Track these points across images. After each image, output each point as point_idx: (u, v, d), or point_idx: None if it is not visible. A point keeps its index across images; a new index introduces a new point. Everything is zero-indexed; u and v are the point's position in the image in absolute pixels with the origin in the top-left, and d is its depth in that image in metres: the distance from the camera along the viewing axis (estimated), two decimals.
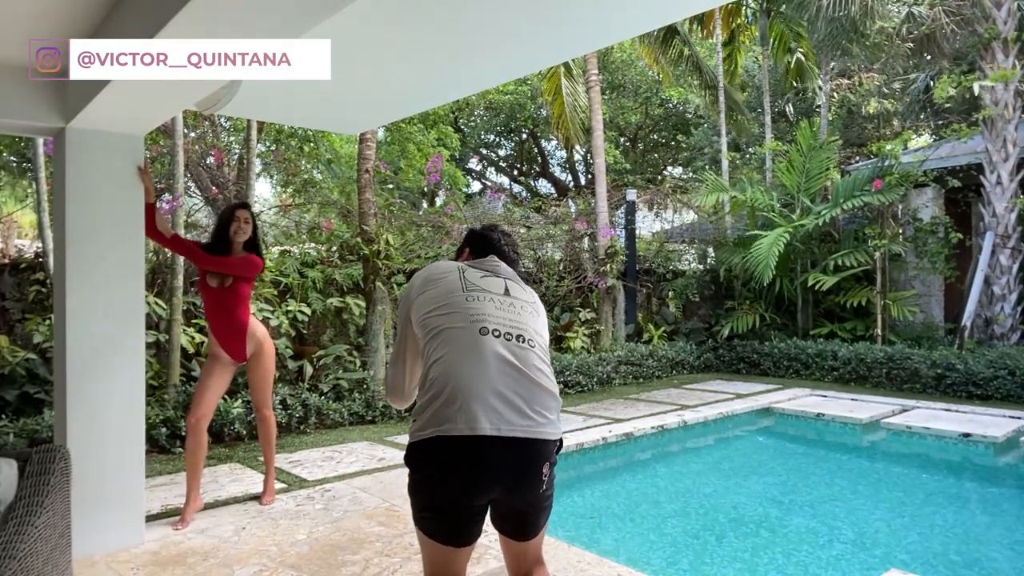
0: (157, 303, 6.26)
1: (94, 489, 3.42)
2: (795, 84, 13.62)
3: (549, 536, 3.68)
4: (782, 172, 11.18)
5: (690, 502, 4.97)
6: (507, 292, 2.00)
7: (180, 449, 5.52)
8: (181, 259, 6.23)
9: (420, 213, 11.08)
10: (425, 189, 14.54)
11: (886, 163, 10.11)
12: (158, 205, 4.14)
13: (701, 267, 12.84)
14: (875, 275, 10.12)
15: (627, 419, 6.90)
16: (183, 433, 5.53)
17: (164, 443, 5.49)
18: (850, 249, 10.26)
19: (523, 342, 1.87)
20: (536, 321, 2.02)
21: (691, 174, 18.35)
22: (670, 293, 12.09)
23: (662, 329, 11.31)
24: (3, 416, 5.42)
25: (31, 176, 7.96)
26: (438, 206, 13.57)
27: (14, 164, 10.73)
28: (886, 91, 14.67)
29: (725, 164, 12.83)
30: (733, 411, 7.49)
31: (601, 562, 3.36)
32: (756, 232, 10.55)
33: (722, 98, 12.90)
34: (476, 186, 20.44)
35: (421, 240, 9.36)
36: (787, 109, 16.46)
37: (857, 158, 13.65)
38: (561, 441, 1.94)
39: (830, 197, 10.72)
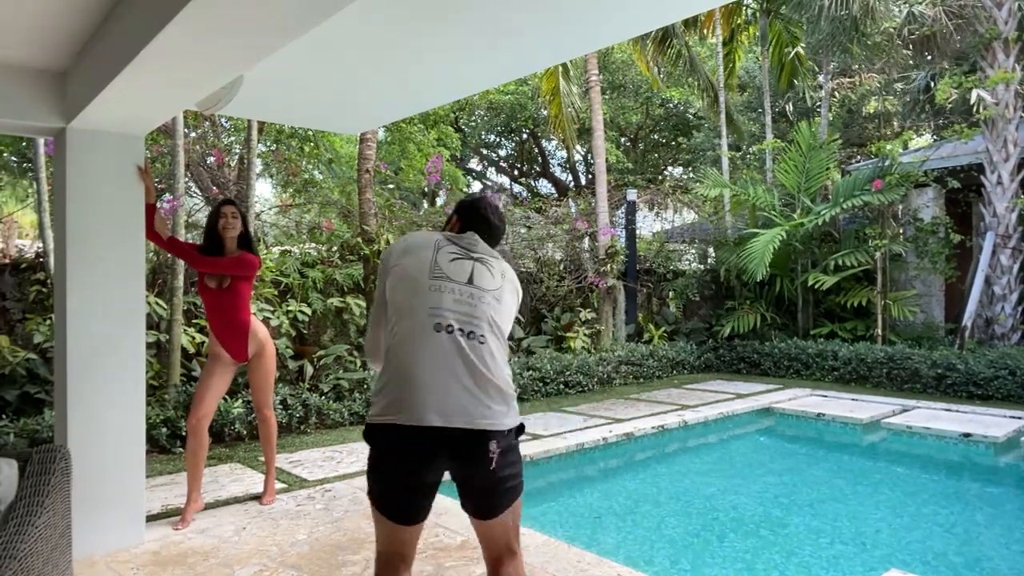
0: (157, 303, 6.26)
1: (94, 489, 3.42)
2: (795, 83, 13.62)
3: (549, 536, 3.68)
4: (782, 172, 11.18)
5: (691, 502, 4.97)
6: (471, 281, 2.11)
7: (180, 449, 5.52)
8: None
9: (420, 213, 11.07)
10: (425, 189, 14.54)
11: (886, 163, 10.11)
12: (159, 205, 4.14)
13: (702, 267, 12.84)
14: (875, 275, 10.12)
15: (627, 419, 6.90)
16: (183, 433, 5.54)
17: (164, 443, 5.50)
18: (850, 249, 10.26)
19: (474, 338, 2.03)
20: (495, 310, 2.13)
21: (691, 175, 18.35)
22: (671, 293, 12.09)
23: (663, 329, 11.31)
24: (3, 416, 5.42)
25: (32, 176, 7.98)
26: (439, 206, 13.58)
27: (15, 164, 10.72)
28: (886, 91, 14.67)
29: (726, 163, 12.83)
30: (733, 411, 7.48)
31: (601, 562, 3.36)
32: (755, 231, 10.55)
33: (723, 98, 12.90)
34: (476, 186, 20.44)
35: None
36: (787, 109, 16.47)
37: (858, 158, 13.65)
38: (521, 427, 2.11)
39: (830, 197, 10.72)
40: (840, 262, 10.13)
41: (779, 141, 12.61)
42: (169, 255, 6.42)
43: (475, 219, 2.32)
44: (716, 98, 13.04)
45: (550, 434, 6.21)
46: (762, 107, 14.15)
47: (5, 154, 10.48)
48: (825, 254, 10.74)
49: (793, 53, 12.83)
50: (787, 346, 10.19)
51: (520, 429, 2.12)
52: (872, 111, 13.46)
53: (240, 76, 3.07)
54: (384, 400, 2.00)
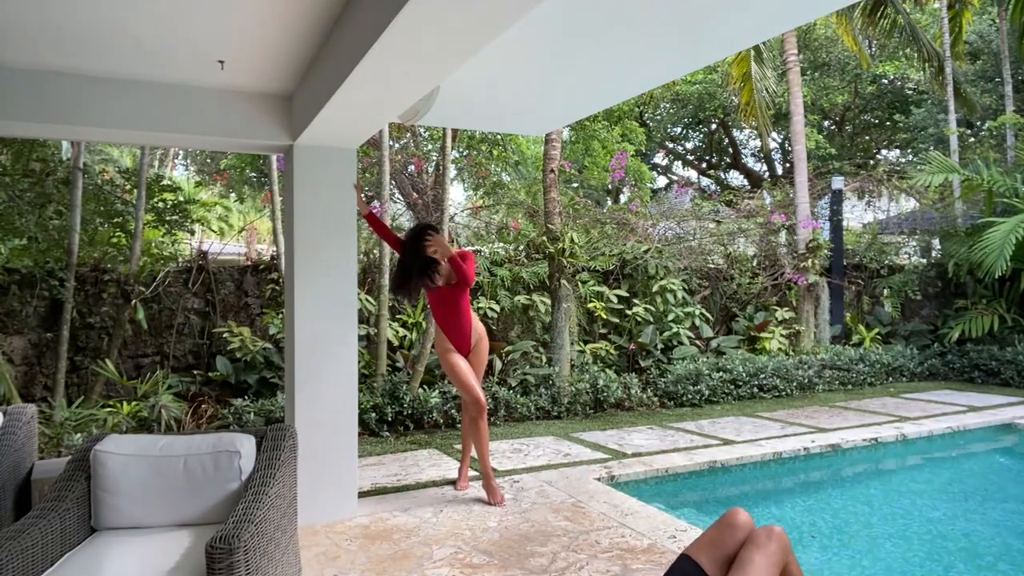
0: (367, 299, 6.91)
1: (315, 465, 3.85)
2: None
3: None
4: None
5: (910, 526, 4.42)
6: None
7: (387, 433, 6.06)
8: (387, 259, 6.80)
9: (604, 211, 11.04)
10: (609, 186, 14.47)
11: None
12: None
13: (924, 261, 11.37)
14: None
15: (832, 429, 6.31)
16: (389, 419, 6.09)
17: (373, 427, 6.04)
18: None
19: None
20: None
21: (910, 157, 16.31)
22: (885, 291, 10.83)
23: (875, 331, 10.18)
24: (246, 397, 6.30)
25: (267, 188, 9.20)
26: (622, 203, 13.44)
27: (255, 179, 12.45)
28: None
29: (954, 143, 11.22)
30: (965, 426, 6.52)
31: None
32: (992, 219, 9.10)
33: (949, 69, 11.30)
34: (662, 181, 19.92)
35: (605, 237, 9.33)
36: None
37: None
38: None
39: None
40: None
41: (1020, 117, 10.76)
42: (377, 255, 7.04)
43: None
44: (941, 68, 11.45)
45: (743, 440, 5.87)
46: (1000, 76, 12.17)
47: (247, 171, 12.20)
48: None
49: None
50: None
51: None
52: None
53: (436, 88, 3.27)
54: None
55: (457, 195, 14.68)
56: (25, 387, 6.29)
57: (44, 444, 5.14)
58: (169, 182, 7.85)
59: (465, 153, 11.17)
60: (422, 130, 10.30)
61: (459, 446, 5.41)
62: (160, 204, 7.00)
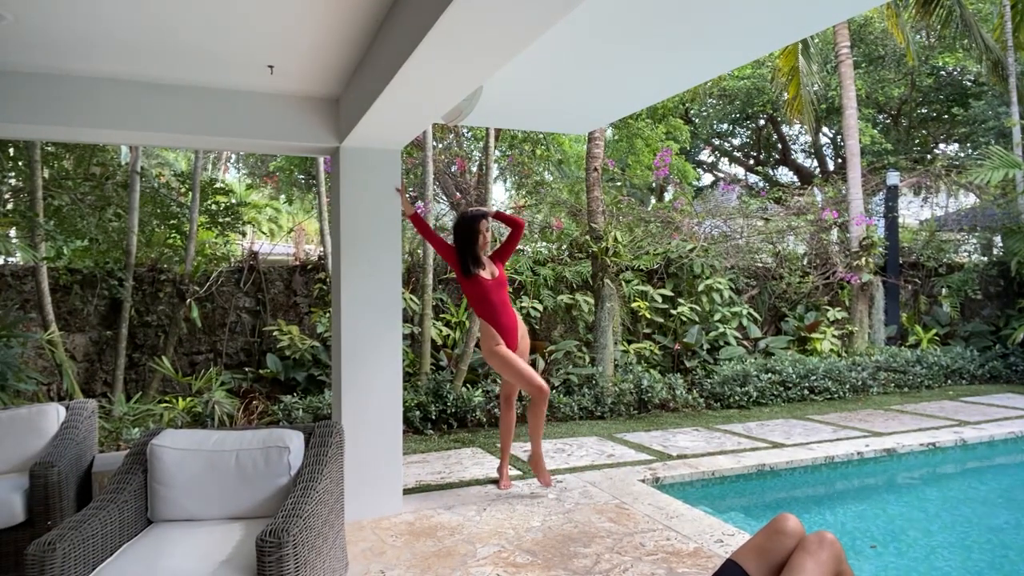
0: (411, 299, 6.98)
1: (361, 462, 3.91)
2: None
3: None
4: None
5: (970, 534, 4.24)
6: None
7: (430, 431, 6.11)
8: (430, 259, 6.86)
9: (648, 209, 10.92)
10: (654, 184, 14.29)
11: None
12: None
13: (984, 259, 10.90)
14: None
15: (887, 433, 6.10)
16: (434, 417, 6.14)
17: (418, 425, 6.10)
18: None
19: None
20: None
21: (970, 151, 15.65)
22: (944, 290, 10.42)
23: (933, 332, 9.81)
24: (295, 394, 6.44)
25: (316, 190, 9.39)
26: (667, 201, 13.27)
27: (303, 180, 12.71)
28: None
29: (1017, 136, 10.72)
30: None
31: None
32: None
33: (1011, 59, 10.80)
34: (708, 178, 19.58)
35: (650, 236, 9.23)
36: None
37: None
38: None
39: None
40: None
41: None
42: (421, 255, 7.11)
43: None
44: (999, 61, 10.95)
45: (793, 443, 5.73)
46: None
47: (295, 173, 12.47)
48: None
49: None
50: None
51: None
52: None
53: (479, 87, 3.27)
54: None
55: (500, 194, 14.69)
56: (86, 383, 6.56)
57: (104, 438, 5.36)
58: (222, 185, 8.07)
59: (508, 153, 11.19)
60: (465, 130, 10.35)
61: (500, 445, 5.41)
62: (213, 206, 7.20)
